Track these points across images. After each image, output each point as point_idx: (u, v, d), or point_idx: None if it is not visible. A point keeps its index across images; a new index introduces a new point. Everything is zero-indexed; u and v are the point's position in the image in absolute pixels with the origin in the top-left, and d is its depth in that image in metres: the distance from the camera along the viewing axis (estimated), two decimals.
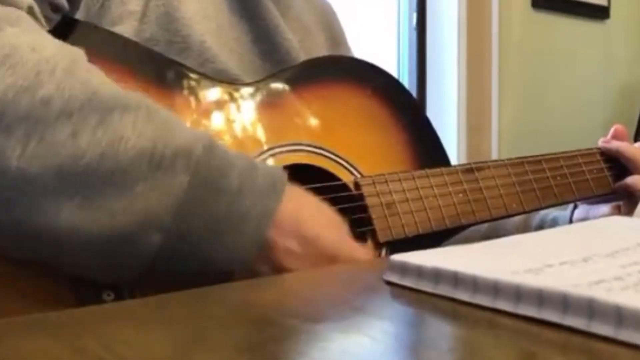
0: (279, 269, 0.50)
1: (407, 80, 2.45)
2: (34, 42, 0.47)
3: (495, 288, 0.33)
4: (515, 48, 2.50)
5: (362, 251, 0.56)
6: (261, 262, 0.50)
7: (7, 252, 0.48)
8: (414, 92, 2.43)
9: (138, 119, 0.46)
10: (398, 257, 0.39)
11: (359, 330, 0.33)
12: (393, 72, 2.42)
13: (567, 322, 0.30)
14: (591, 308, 0.29)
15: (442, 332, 0.33)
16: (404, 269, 0.38)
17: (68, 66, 0.46)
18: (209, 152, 0.48)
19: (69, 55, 0.48)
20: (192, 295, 0.39)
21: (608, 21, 2.79)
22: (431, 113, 2.42)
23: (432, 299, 0.36)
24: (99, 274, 0.48)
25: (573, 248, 0.41)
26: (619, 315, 0.28)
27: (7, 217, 0.45)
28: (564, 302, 0.30)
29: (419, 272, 0.37)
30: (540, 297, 0.31)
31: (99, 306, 0.40)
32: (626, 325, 0.28)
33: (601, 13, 2.76)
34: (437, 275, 0.36)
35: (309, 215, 0.52)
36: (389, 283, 0.39)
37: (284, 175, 0.51)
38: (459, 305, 0.34)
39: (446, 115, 2.41)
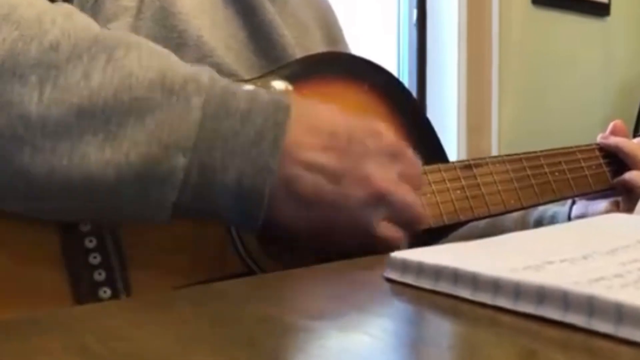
0: (311, 166, 0.50)
1: (407, 78, 2.45)
2: None
3: (496, 285, 0.33)
4: (516, 45, 2.50)
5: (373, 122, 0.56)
6: (291, 165, 0.50)
7: (36, 204, 0.48)
8: (413, 90, 2.43)
9: (142, 55, 0.48)
10: (398, 254, 0.39)
11: (359, 327, 0.33)
12: (393, 69, 2.41)
13: (567, 319, 0.30)
14: (591, 305, 0.29)
15: (442, 329, 0.33)
16: (404, 266, 0.38)
17: (67, 15, 0.48)
18: (214, 80, 0.50)
19: (64, 7, 0.50)
20: (191, 292, 0.39)
21: (608, 18, 2.79)
22: (431, 112, 2.42)
23: (433, 296, 0.36)
24: (132, 210, 0.49)
25: (573, 245, 0.41)
26: (619, 312, 0.28)
27: (36, 166, 0.45)
28: (564, 299, 0.30)
29: (419, 269, 0.37)
30: (541, 295, 0.31)
31: (99, 304, 0.40)
32: (626, 322, 0.28)
33: (601, 10, 2.76)
34: (438, 272, 0.36)
35: (319, 113, 0.54)
36: (389, 280, 0.39)
37: (285, 95, 0.53)
38: (460, 303, 0.34)
39: (446, 114, 2.41)
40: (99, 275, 0.51)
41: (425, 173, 0.67)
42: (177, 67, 0.49)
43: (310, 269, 0.46)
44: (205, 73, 0.50)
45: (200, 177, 0.48)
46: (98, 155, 0.45)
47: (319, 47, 0.82)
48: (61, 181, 0.46)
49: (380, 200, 0.52)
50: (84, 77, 0.46)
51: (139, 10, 0.63)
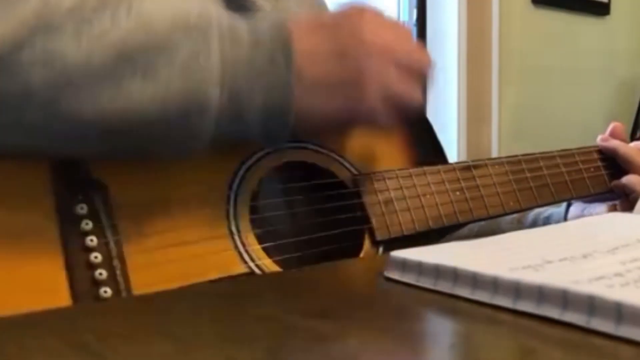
0: (314, 54, 0.55)
1: None
2: None
3: (495, 284, 0.33)
4: (516, 45, 2.50)
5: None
6: (304, 65, 0.54)
7: (77, 144, 0.50)
8: None
9: (155, 0, 0.51)
10: (398, 253, 0.39)
11: (360, 326, 0.33)
12: None
13: (566, 318, 0.30)
14: (591, 304, 0.29)
15: (442, 328, 0.33)
16: (405, 266, 0.38)
17: None
18: (220, 13, 0.53)
19: None
20: (190, 291, 0.39)
21: (608, 17, 2.79)
22: (432, 109, 2.42)
23: (433, 295, 0.36)
24: (174, 144, 0.52)
25: (573, 244, 0.41)
26: (619, 311, 0.28)
27: (83, 110, 0.48)
28: (564, 298, 0.30)
29: (419, 268, 0.37)
30: (540, 293, 0.31)
31: (99, 303, 0.40)
32: (626, 321, 0.28)
33: (601, 9, 2.76)
34: (437, 271, 0.36)
35: (320, 28, 0.58)
36: (389, 280, 0.39)
37: (284, 17, 0.56)
38: (459, 302, 0.34)
39: (446, 112, 2.41)
40: (100, 276, 0.51)
41: (425, 174, 0.67)
42: (187, 5, 0.52)
43: (310, 268, 0.46)
44: (212, 6, 0.53)
45: (231, 103, 0.52)
46: (141, 94, 0.49)
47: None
48: (107, 122, 0.48)
49: (385, 53, 0.56)
50: (113, 23, 0.49)
51: None
